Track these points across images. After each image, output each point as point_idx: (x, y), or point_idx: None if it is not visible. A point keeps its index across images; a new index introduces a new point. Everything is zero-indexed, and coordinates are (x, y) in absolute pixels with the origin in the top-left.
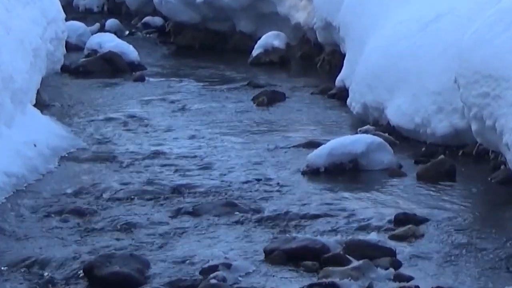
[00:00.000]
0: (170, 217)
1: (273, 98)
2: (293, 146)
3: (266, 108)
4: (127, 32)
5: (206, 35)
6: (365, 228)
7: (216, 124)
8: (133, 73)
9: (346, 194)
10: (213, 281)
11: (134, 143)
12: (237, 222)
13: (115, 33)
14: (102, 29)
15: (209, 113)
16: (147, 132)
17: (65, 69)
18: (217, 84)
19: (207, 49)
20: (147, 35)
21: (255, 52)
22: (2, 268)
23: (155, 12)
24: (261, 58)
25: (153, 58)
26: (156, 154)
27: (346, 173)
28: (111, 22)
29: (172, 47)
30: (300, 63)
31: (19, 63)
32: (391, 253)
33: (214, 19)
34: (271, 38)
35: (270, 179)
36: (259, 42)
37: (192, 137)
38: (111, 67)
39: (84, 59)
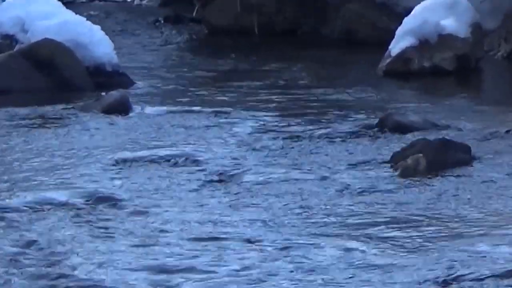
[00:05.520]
0: None
1: (440, 159)
2: None
3: (425, 184)
4: None
5: (281, 3)
6: None
7: (312, 233)
8: (102, 93)
9: None
10: None
11: None
12: None
13: None
14: None
15: (290, 202)
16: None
17: None
18: (302, 120)
19: (280, 36)
20: (135, 1)
21: (395, 47)
22: None
23: None
24: (411, 60)
25: (149, 56)
26: None
27: None
28: None
29: (195, 30)
30: (503, 70)
31: None
32: None
33: None
34: (437, 13)
35: None
36: (405, 22)
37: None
38: (49, 79)
39: None
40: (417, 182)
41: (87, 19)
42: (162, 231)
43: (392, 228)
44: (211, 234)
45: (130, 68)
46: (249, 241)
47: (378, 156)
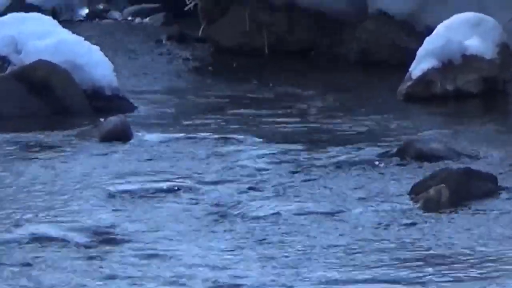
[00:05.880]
0: None
1: (464, 190)
2: None
3: (449, 218)
4: (84, 11)
5: (293, 21)
6: None
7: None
8: (101, 118)
9: None
10: None
11: None
12: None
13: (54, 14)
14: (21, 2)
15: (303, 240)
16: None
17: None
18: (315, 149)
19: (292, 57)
20: (137, 20)
21: (416, 69)
22: None
23: None
24: (433, 83)
25: (151, 79)
26: None
27: None
28: None
29: (201, 50)
30: None
31: None
32: None
33: None
34: (462, 32)
35: None
36: (427, 42)
37: None
38: (44, 103)
39: None
40: (440, 216)
41: (85, 39)
42: (170, 276)
43: (414, 268)
44: (223, 280)
45: (130, 91)
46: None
47: (397, 188)
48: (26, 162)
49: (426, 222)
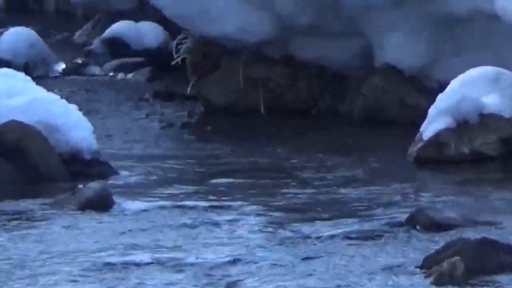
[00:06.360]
0: None
1: (481, 263)
2: None
3: None
4: (60, 66)
5: (292, 76)
6: None
7: None
8: (79, 185)
9: None
10: None
11: None
12: None
13: (26, 69)
14: None
15: None
16: None
17: None
18: (316, 218)
19: (291, 116)
20: (119, 75)
21: (428, 129)
22: None
23: (140, 11)
24: (447, 144)
25: (135, 141)
26: None
27: None
28: (17, 34)
29: (190, 109)
30: None
31: None
32: None
33: (319, 34)
34: (478, 88)
35: None
36: (440, 99)
37: None
38: (16, 168)
39: None
40: None
41: (61, 97)
42: None
43: None
44: None
45: (112, 155)
46: None
47: (408, 260)
48: None
49: None
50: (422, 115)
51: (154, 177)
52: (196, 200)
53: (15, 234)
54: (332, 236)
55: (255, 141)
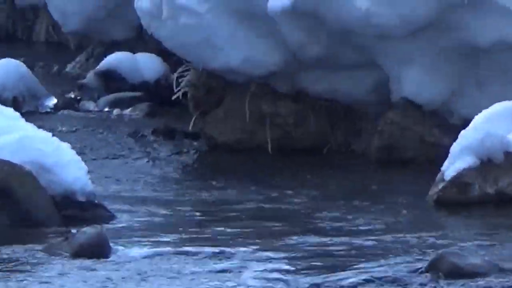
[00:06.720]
0: None
1: None
2: None
3: None
4: (52, 101)
5: (302, 112)
6: None
7: None
8: (72, 230)
9: None
10: None
11: None
12: None
13: (15, 104)
14: None
15: None
16: None
17: None
18: (328, 266)
19: (301, 155)
20: (115, 111)
21: (450, 169)
22: None
23: (137, 41)
24: (470, 185)
25: (133, 182)
26: None
27: None
28: (4, 66)
29: (192, 147)
30: None
31: None
32: None
33: (332, 68)
34: (503, 124)
35: None
36: (462, 136)
37: None
38: (4, 212)
39: None
40: None
41: (52, 135)
42: None
43: None
44: None
45: (108, 197)
46: None
47: None
48: None
49: None
50: (444, 154)
51: (154, 222)
52: (199, 246)
53: (2, 283)
54: (347, 285)
55: (262, 182)
